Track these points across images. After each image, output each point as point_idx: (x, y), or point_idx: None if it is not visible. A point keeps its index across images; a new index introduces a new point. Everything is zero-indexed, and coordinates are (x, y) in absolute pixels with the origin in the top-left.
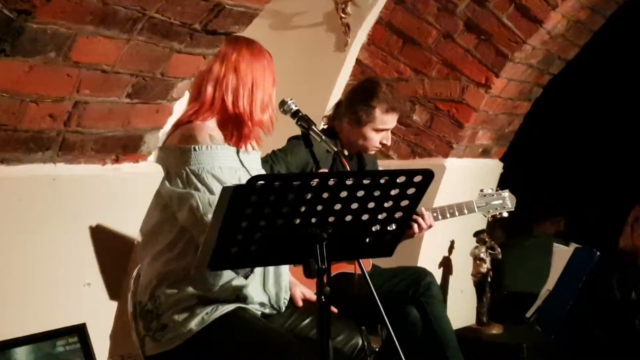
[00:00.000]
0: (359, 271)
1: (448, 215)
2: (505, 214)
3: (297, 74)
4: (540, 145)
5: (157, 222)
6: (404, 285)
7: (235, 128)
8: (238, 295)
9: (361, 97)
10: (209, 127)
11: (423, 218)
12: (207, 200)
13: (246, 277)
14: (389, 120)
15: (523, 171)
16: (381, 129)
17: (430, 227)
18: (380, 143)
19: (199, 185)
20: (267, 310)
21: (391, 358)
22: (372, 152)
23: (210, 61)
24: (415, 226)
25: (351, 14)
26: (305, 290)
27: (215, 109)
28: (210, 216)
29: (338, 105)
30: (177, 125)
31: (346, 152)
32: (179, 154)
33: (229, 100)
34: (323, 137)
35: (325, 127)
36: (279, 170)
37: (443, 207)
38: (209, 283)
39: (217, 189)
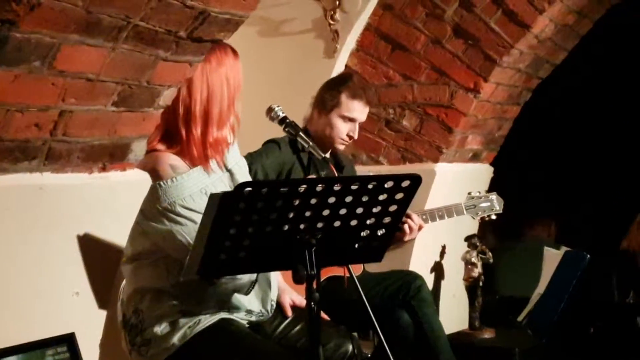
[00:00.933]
0: (348, 276)
1: (437, 218)
2: (493, 217)
3: (286, 81)
4: (531, 149)
5: (142, 249)
6: (394, 288)
7: (193, 154)
8: (222, 305)
9: (330, 84)
10: (169, 157)
11: (412, 219)
12: (193, 232)
13: (247, 293)
14: (354, 108)
15: (514, 175)
16: (347, 116)
17: (420, 228)
18: (348, 136)
19: (179, 219)
20: (254, 318)
21: None
22: (341, 147)
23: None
24: (406, 227)
25: (340, 21)
26: (295, 297)
27: (172, 135)
28: None
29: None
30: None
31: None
32: (147, 192)
33: (182, 127)
34: (310, 143)
35: (302, 128)
36: (256, 170)
37: (432, 209)
38: (195, 298)
39: (197, 217)
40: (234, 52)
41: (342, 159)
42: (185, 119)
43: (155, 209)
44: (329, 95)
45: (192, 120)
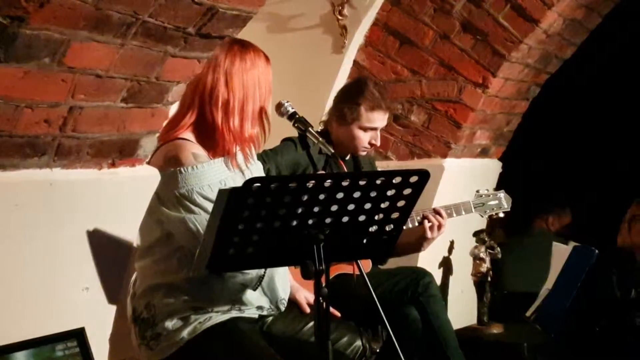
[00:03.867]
0: (357, 272)
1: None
2: (501, 214)
3: (294, 77)
4: (540, 145)
5: (155, 238)
6: (403, 285)
7: (224, 145)
8: (234, 301)
9: (347, 95)
10: (192, 145)
11: (441, 215)
12: (204, 221)
13: (255, 289)
14: (375, 119)
15: (522, 170)
16: (368, 127)
17: (440, 226)
18: (370, 144)
19: (193, 207)
20: (265, 312)
21: (391, 359)
22: (363, 153)
23: (202, 67)
24: (434, 221)
25: (348, 16)
26: (309, 295)
27: (206, 124)
28: None
29: (331, 107)
30: (163, 138)
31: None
32: (165, 179)
33: (219, 117)
34: (320, 139)
35: (321, 129)
36: (269, 169)
37: (440, 207)
38: (206, 293)
39: (211, 207)
40: (267, 58)
41: (361, 161)
42: (225, 111)
43: (171, 194)
44: (347, 109)
45: (231, 112)
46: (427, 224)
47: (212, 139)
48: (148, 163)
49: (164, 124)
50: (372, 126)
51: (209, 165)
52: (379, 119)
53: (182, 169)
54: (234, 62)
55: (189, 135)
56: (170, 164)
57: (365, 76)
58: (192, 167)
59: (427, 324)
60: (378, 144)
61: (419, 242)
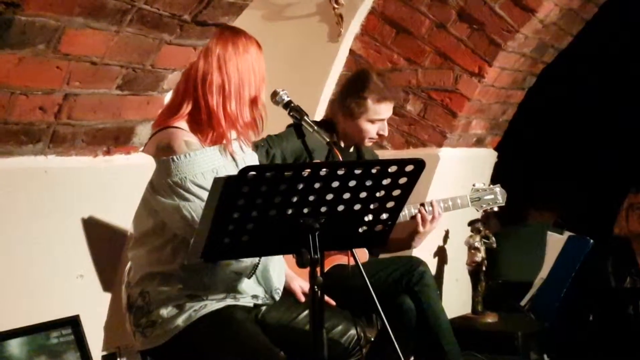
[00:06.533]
0: (352, 262)
1: (443, 209)
2: (495, 208)
3: (290, 65)
4: (535, 134)
5: (148, 228)
6: (397, 274)
7: (220, 131)
8: (229, 290)
9: (352, 89)
10: (184, 133)
11: (433, 207)
12: (199, 209)
13: (249, 277)
14: (382, 110)
15: (518, 160)
16: (375, 119)
17: (434, 218)
18: (377, 134)
19: (187, 195)
20: (260, 301)
21: (386, 348)
22: (369, 144)
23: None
24: (419, 216)
25: (344, 4)
26: (304, 284)
27: (201, 112)
28: None
29: (334, 99)
30: (157, 125)
31: (342, 144)
32: (158, 167)
33: (214, 102)
34: (315, 127)
35: (324, 119)
36: (275, 154)
37: (438, 200)
38: (201, 282)
39: (205, 195)
40: (259, 45)
41: (364, 152)
42: (221, 95)
43: (164, 182)
44: (354, 104)
45: (227, 97)
46: (419, 217)
47: (207, 127)
48: (143, 151)
49: (159, 111)
50: (379, 118)
51: (202, 153)
52: (386, 110)
53: (174, 157)
54: (226, 48)
55: (183, 124)
56: (162, 152)
57: (368, 67)
58: (185, 155)
59: (421, 313)
60: (386, 134)
61: (410, 236)
